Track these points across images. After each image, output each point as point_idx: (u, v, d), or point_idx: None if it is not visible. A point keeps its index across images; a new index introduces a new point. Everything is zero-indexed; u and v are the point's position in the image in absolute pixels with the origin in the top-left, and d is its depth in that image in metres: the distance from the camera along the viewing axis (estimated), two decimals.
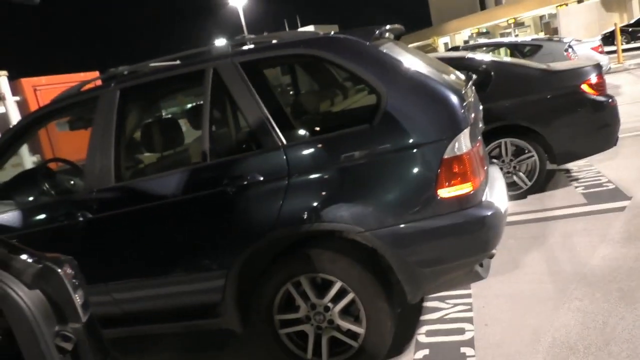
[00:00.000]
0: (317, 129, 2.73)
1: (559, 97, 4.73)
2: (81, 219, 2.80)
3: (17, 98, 7.00)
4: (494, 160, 4.80)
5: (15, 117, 6.71)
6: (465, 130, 2.37)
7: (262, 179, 2.50)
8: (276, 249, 2.59)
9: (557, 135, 4.71)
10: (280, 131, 2.53)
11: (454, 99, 2.38)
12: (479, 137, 2.80)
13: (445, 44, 52.38)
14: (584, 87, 4.70)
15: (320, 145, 2.47)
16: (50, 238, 2.86)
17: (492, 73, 4.93)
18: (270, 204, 2.47)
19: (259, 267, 2.62)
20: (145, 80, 2.85)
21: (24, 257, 1.45)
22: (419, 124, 2.37)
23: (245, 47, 2.78)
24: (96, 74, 7.89)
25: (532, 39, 10.28)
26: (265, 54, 2.69)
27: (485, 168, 2.76)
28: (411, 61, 2.59)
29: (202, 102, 2.72)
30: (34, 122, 3.11)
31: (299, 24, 58.74)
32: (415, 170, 2.36)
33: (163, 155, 3.44)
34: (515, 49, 9.87)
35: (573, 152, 4.83)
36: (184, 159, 3.33)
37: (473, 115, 2.66)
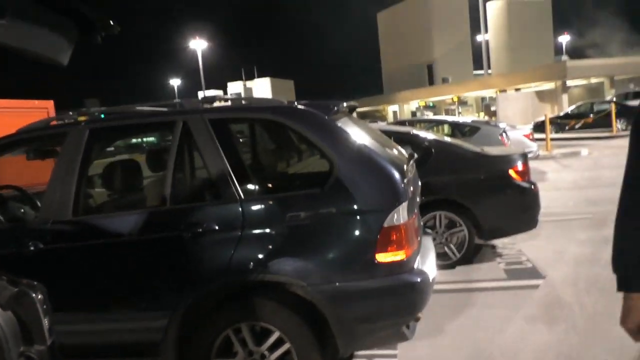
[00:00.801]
0: (273, 187, 2.98)
1: (489, 179, 5.24)
2: (32, 247, 2.86)
3: None
4: (428, 231, 5.19)
5: None
6: (404, 203, 2.69)
7: (217, 227, 2.69)
8: (222, 295, 2.75)
9: (485, 213, 5.17)
10: (239, 186, 2.76)
11: (397, 174, 2.71)
12: (416, 210, 3.13)
13: (394, 112, 54.97)
14: (511, 172, 5.24)
15: (274, 203, 2.71)
16: None
17: (433, 150, 5.41)
18: (222, 252, 2.66)
19: (203, 311, 2.76)
20: (116, 124, 3.03)
21: (1, 280, 1.58)
22: (365, 194, 2.66)
23: (215, 105, 3.03)
24: (50, 102, 7.86)
25: (472, 121, 11.15)
26: (233, 114, 2.95)
27: (419, 238, 3.08)
28: (362, 136, 2.92)
29: (169, 149, 2.92)
30: (1, 148, 3.18)
31: (256, 75, 60.00)
32: (357, 234, 2.64)
33: (124, 195, 3.56)
34: (457, 128, 10.67)
35: (499, 229, 5.31)
36: (144, 200, 3.47)
37: (412, 189, 3.00)
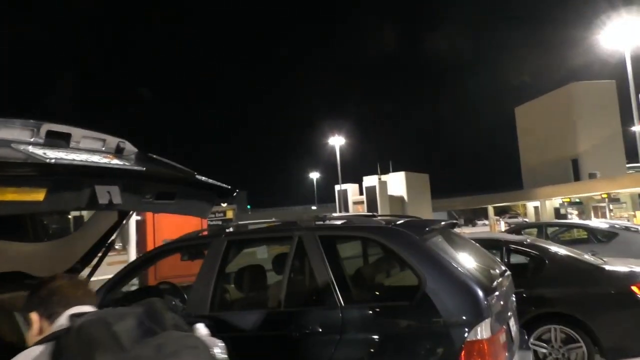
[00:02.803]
0: (369, 297, 3.40)
1: (608, 295, 5.06)
2: None
3: (139, 218, 8.42)
4: (540, 344, 5.10)
5: (132, 233, 8.06)
6: (487, 319, 2.94)
7: (320, 330, 3.16)
8: None
9: (605, 330, 4.95)
10: (340, 294, 3.24)
11: (479, 292, 2.99)
12: (504, 325, 3.31)
13: (535, 208, 52.06)
14: (634, 288, 5.01)
15: (369, 312, 3.13)
16: None
17: (546, 261, 5.41)
18: (323, 353, 3.10)
19: None
20: (247, 237, 3.75)
21: None
22: (449, 309, 2.97)
23: (325, 223, 3.62)
24: None
25: (610, 226, 10.50)
26: (338, 232, 3.52)
27: (509, 353, 3.22)
28: (451, 254, 3.27)
29: (285, 259, 3.54)
30: (165, 252, 4.08)
31: (391, 169, 61.39)
32: (442, 346, 2.92)
33: (248, 296, 4.23)
34: (591, 233, 10.14)
35: (622, 349, 5.00)
36: (263, 301, 4.10)
37: (502, 303, 3.23)
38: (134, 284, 4.86)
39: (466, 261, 3.32)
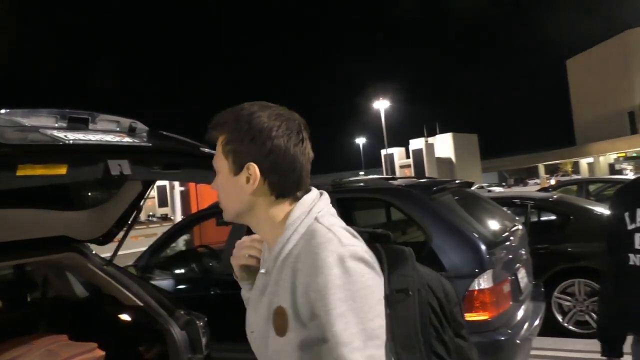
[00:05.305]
0: None
1: None
2: (212, 293, 3.96)
3: (182, 188, 8.96)
4: (564, 297, 5.23)
5: (178, 203, 8.65)
6: (488, 271, 3.15)
7: None
8: None
9: None
10: None
11: (482, 247, 3.19)
12: (511, 276, 3.49)
13: (590, 164, 50.29)
14: None
15: None
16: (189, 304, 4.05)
17: (571, 217, 5.48)
18: None
19: None
20: None
21: (180, 310, 2.57)
22: (454, 262, 3.20)
23: (341, 187, 3.88)
24: None
25: None
26: (353, 194, 3.77)
27: (512, 303, 3.42)
28: (458, 212, 3.47)
29: None
30: (196, 219, 4.46)
31: (438, 131, 60.19)
32: None
33: None
34: None
35: None
36: None
37: (510, 256, 3.42)
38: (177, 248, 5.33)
39: (473, 218, 3.51)
